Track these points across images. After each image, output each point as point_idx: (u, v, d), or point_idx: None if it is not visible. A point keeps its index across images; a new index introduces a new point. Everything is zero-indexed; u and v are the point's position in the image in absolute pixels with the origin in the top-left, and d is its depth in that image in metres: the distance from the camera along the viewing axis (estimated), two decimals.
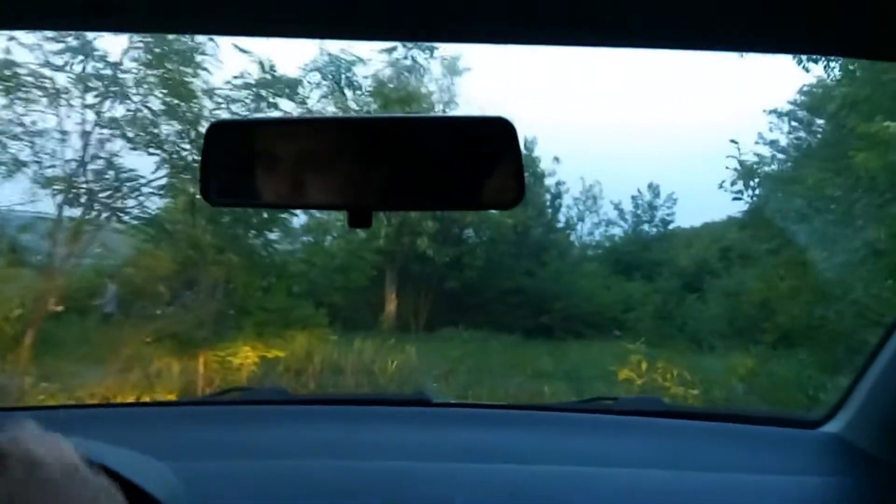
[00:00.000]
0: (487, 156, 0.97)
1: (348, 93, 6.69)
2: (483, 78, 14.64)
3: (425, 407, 1.77)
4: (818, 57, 6.28)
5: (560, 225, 16.84)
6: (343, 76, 6.56)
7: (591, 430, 1.64)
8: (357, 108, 6.88)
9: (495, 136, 0.96)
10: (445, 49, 12.45)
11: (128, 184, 6.18)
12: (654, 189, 17.46)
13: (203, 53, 6.14)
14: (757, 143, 12.15)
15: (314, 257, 8.25)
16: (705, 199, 15.82)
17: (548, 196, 16.13)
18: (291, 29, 1.02)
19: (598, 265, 16.52)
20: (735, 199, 7.71)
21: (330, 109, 6.81)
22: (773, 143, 12.36)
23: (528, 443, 1.54)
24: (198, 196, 6.58)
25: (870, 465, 1.46)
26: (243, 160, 1.00)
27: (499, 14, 0.88)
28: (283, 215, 7.80)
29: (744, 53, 1.04)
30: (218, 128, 1.07)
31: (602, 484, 1.35)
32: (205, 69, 6.21)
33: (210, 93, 6.32)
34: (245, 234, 7.14)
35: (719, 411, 1.99)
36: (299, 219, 11.03)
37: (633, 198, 17.49)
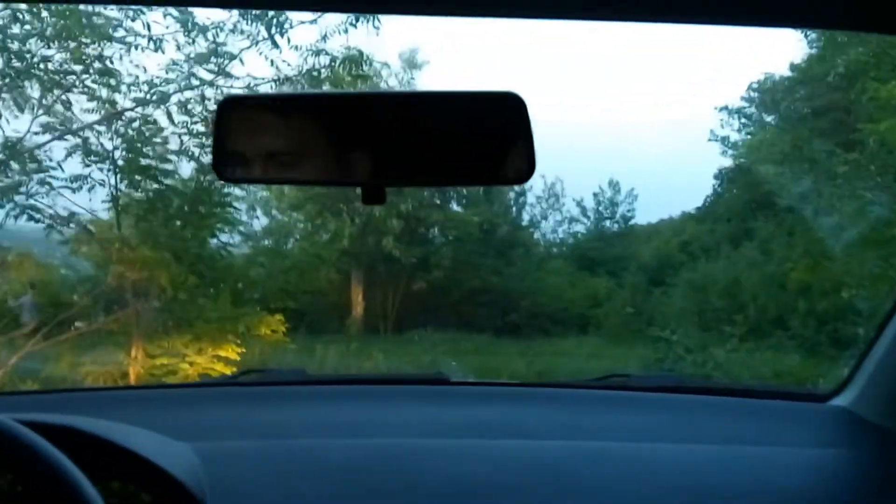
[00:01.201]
0: (499, 131, 0.95)
1: (282, 42, 5.34)
2: (441, 70, 13.70)
3: (443, 385, 1.74)
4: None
5: (524, 223, 16.33)
6: (274, 19, 5.22)
7: (606, 406, 1.62)
8: (293, 65, 5.54)
9: (506, 111, 0.93)
10: (403, 41, 11.57)
11: (36, 175, 4.91)
12: (614, 185, 16.97)
13: None
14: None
15: (268, 260, 7.12)
16: (663, 196, 15.29)
17: (511, 194, 15.43)
18: None
19: (562, 262, 16.18)
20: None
21: (259, 64, 5.46)
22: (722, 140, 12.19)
23: (545, 419, 1.52)
24: (121, 189, 5.46)
25: (880, 438, 1.45)
26: (256, 136, 0.96)
27: None
28: (244, 217, 6.82)
29: (736, 28, 0.97)
30: (230, 102, 1.02)
31: (617, 458, 1.32)
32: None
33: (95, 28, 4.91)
34: (187, 234, 5.95)
35: (731, 386, 2.00)
36: (260, 221, 9.91)
37: (595, 195, 17.02)
